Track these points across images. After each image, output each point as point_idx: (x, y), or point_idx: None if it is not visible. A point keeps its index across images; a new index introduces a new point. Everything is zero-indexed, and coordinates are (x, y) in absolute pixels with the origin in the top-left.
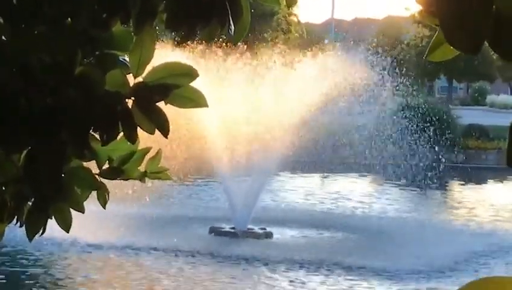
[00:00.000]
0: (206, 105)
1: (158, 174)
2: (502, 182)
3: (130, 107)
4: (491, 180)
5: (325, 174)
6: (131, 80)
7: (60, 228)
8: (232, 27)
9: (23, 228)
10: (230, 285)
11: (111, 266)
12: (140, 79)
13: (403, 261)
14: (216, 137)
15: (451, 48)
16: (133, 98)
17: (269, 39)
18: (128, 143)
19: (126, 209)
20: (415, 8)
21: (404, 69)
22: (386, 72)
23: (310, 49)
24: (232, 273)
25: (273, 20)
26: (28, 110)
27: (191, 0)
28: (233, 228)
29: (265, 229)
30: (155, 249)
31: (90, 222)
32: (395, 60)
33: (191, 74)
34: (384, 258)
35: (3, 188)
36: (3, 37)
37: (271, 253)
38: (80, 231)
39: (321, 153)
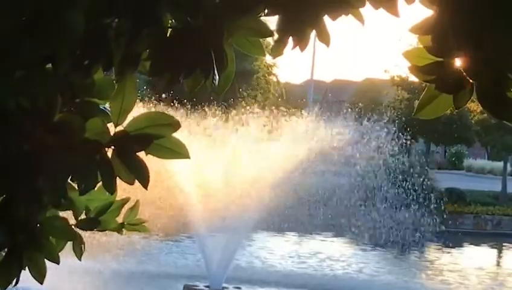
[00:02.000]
0: (188, 156)
1: (136, 226)
2: (477, 246)
3: (109, 156)
4: (467, 245)
5: (301, 234)
6: (112, 128)
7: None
8: (217, 77)
9: None
10: None
11: None
12: (121, 128)
13: None
14: (192, 195)
15: (441, 105)
16: (113, 147)
17: (248, 98)
18: (106, 193)
19: (96, 263)
20: (394, 71)
21: (385, 131)
22: (365, 134)
23: (289, 109)
24: None
25: (253, 78)
26: (3, 155)
27: (175, 49)
28: (207, 287)
29: (240, 288)
30: None
31: (57, 276)
32: (374, 122)
33: (173, 124)
34: None
35: None
36: None
37: None
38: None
39: (297, 214)
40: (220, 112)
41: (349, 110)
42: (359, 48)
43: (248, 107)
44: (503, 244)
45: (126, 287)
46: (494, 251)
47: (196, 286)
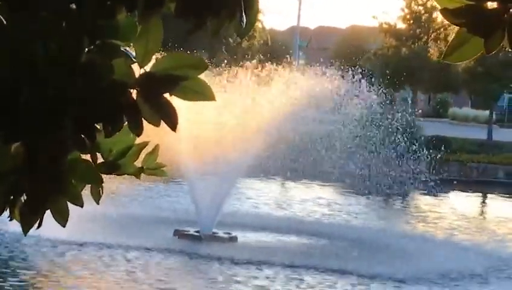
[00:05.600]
0: (213, 98)
1: (155, 170)
2: (465, 193)
3: (134, 98)
4: (455, 192)
5: (290, 181)
6: (136, 70)
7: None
8: (244, 19)
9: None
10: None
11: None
12: (145, 69)
13: (358, 262)
14: (184, 139)
15: (471, 49)
16: (138, 88)
17: (234, 44)
18: (128, 137)
19: (88, 206)
20: (383, 18)
21: (371, 79)
22: (351, 81)
23: (275, 57)
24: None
25: None
26: (30, 99)
27: None
28: (198, 232)
29: (230, 233)
30: (117, 247)
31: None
32: (360, 70)
33: (200, 65)
34: (345, 261)
35: None
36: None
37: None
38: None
39: (286, 160)
40: (207, 60)
41: (334, 58)
42: None
43: (235, 56)
44: (487, 191)
45: (116, 231)
46: (479, 199)
47: (187, 231)
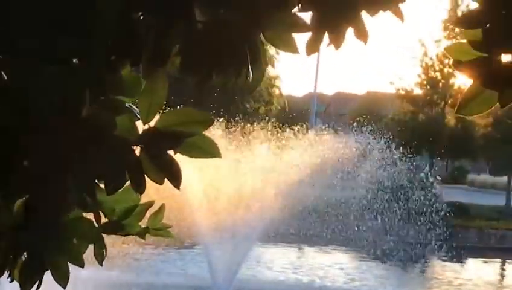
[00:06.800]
0: (219, 156)
1: (160, 231)
2: (481, 260)
3: (138, 155)
4: (471, 259)
5: (307, 246)
6: (140, 126)
7: None
8: (251, 74)
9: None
10: None
11: None
12: (149, 126)
13: None
14: (200, 205)
15: (485, 102)
16: (141, 145)
17: (251, 110)
18: (133, 195)
19: (100, 272)
20: (399, 84)
21: (389, 145)
22: (369, 147)
23: (291, 121)
24: None
25: (256, 91)
26: (30, 152)
27: (207, 44)
28: None
29: None
30: None
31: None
32: (378, 135)
33: (205, 121)
34: None
35: None
36: (3, 74)
37: None
38: None
39: (303, 225)
40: (224, 124)
41: (352, 123)
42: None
43: (252, 121)
44: (507, 259)
45: None
46: (498, 265)
47: None
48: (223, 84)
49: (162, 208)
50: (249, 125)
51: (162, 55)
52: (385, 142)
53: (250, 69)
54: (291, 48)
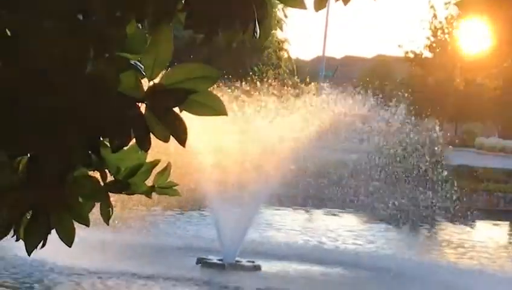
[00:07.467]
0: (225, 113)
1: (166, 189)
2: (490, 223)
3: (143, 112)
4: (479, 222)
5: (314, 209)
6: (145, 83)
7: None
8: (258, 30)
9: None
10: None
11: None
12: (154, 82)
13: None
14: (207, 167)
15: None
16: (146, 102)
17: (259, 73)
18: (138, 153)
19: (111, 235)
20: (409, 46)
21: (396, 108)
22: (377, 110)
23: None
24: None
25: (264, 54)
26: (33, 110)
27: None
28: (221, 260)
29: (253, 262)
30: (140, 276)
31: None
32: (386, 98)
33: (211, 76)
34: None
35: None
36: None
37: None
38: (62, 255)
39: (312, 188)
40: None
41: (361, 87)
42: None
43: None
44: None
45: (140, 258)
46: (506, 228)
47: (210, 259)
48: (230, 41)
49: (168, 167)
50: (259, 85)
51: (166, 11)
52: (393, 107)
53: (257, 25)
54: (298, 3)
